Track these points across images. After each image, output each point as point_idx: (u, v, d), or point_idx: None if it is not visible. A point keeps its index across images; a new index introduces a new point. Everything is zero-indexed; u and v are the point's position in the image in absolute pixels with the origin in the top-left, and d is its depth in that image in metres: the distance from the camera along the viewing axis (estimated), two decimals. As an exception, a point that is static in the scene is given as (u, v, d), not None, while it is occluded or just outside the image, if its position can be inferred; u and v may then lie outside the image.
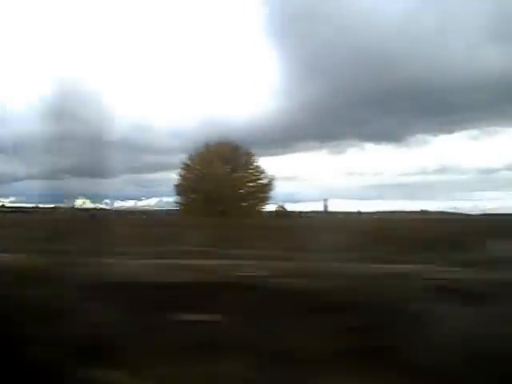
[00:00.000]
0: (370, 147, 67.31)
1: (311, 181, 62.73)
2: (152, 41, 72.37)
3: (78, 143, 48.37)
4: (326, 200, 34.30)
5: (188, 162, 31.39)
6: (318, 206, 48.08)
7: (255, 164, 31.48)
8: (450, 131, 74.68)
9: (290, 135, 56.92)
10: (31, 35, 66.35)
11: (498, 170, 74.20)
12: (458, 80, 45.83)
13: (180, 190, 31.47)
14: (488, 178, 60.07)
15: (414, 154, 69.34)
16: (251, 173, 31.38)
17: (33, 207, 41.00)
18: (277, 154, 76.01)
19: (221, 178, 28.92)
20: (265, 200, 31.72)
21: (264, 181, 31.55)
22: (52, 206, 42.32)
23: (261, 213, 30.86)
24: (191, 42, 70.79)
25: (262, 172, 31.60)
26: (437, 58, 45.71)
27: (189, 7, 60.92)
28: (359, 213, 35.81)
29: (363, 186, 60.22)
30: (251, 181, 31.41)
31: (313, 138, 64.86)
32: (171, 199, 41.93)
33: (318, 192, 66.11)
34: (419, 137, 65.23)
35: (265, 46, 70.41)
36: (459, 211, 38.57)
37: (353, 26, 41.72)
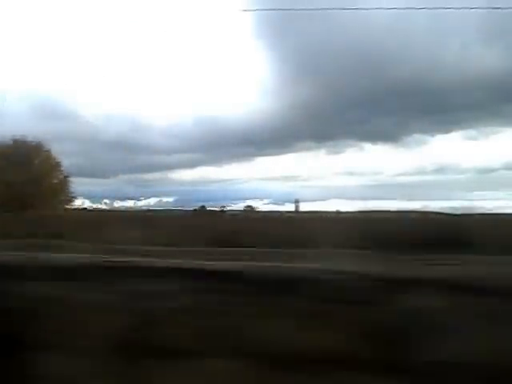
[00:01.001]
0: (367, 147, 67.51)
1: (309, 181, 62.69)
2: (149, 41, 72.18)
3: (78, 143, 48.55)
4: (297, 201, 34.62)
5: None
6: (317, 206, 48.27)
7: (53, 161, 30.93)
8: (447, 131, 75.60)
9: (287, 135, 57.29)
10: (30, 34, 66.30)
11: (496, 169, 74.04)
12: (454, 80, 46.02)
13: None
14: (486, 177, 59.95)
15: (411, 154, 69.42)
16: (45, 170, 30.51)
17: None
18: (275, 154, 76.24)
19: (4, 174, 27.79)
20: (63, 196, 31.25)
21: (59, 178, 31.23)
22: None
23: (58, 208, 29.98)
24: (190, 43, 70.57)
25: (59, 170, 31.28)
26: (434, 58, 45.83)
27: (186, 8, 60.80)
28: (338, 212, 35.13)
29: (361, 185, 60.11)
30: (44, 177, 30.39)
31: (310, 138, 65.10)
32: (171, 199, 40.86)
33: (315, 192, 66.11)
34: (416, 137, 65.85)
35: (263, 45, 69.94)
36: (453, 211, 38.35)
37: (349, 25, 41.63)
